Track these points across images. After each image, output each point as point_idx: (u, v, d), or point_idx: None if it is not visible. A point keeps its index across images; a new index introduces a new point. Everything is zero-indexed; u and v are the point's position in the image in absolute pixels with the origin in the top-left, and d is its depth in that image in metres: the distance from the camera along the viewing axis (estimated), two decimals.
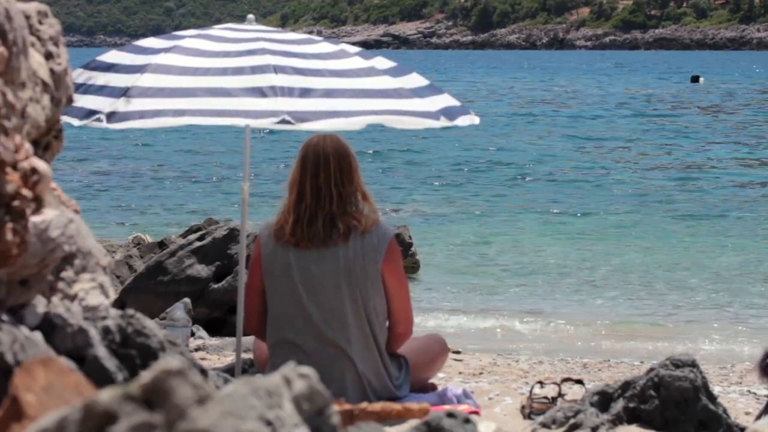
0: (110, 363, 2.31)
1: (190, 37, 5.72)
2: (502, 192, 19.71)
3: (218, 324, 8.95)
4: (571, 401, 5.06)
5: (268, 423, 1.65)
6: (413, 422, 2.48)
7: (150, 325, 2.43)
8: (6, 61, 2.25)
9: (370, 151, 25.63)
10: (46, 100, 2.48)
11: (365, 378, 5.11)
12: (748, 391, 6.97)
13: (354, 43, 6.65)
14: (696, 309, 10.80)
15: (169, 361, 1.62)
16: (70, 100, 2.60)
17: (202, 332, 8.56)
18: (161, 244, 10.84)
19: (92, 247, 2.48)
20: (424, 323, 9.61)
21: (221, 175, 22.17)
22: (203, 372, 2.56)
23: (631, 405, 3.72)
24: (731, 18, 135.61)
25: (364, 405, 2.33)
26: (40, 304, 2.37)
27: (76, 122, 5.20)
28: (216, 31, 5.87)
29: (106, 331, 2.38)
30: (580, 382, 5.93)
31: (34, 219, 2.28)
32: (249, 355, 6.21)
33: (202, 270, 8.93)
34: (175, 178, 21.90)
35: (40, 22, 2.55)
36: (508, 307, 10.88)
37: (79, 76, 5.48)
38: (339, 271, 5.05)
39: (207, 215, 14.08)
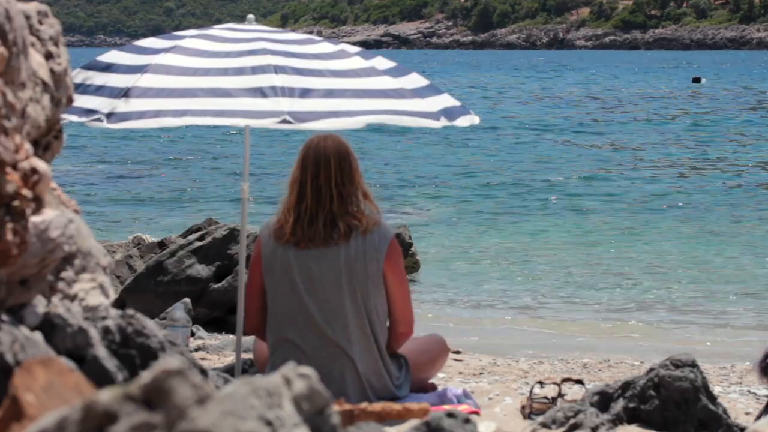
0: (110, 363, 2.31)
1: (191, 37, 5.72)
2: (504, 193, 19.70)
3: (218, 324, 8.95)
4: (571, 401, 5.06)
5: (268, 423, 1.65)
6: (413, 422, 2.48)
7: (150, 325, 2.43)
8: (6, 61, 2.24)
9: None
10: (46, 100, 2.48)
11: (365, 378, 5.11)
12: (748, 391, 6.96)
13: (354, 43, 6.65)
14: (696, 308, 10.80)
15: (169, 361, 1.62)
16: (70, 100, 2.60)
17: (202, 332, 8.56)
18: (161, 244, 10.83)
19: (92, 247, 2.48)
20: (424, 323, 9.61)
21: (221, 174, 22.16)
22: (203, 372, 2.56)
23: (631, 405, 3.72)
24: (731, 18, 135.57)
25: (364, 405, 2.33)
26: (40, 304, 2.37)
27: (75, 120, 5.20)
28: (216, 31, 5.87)
29: (106, 331, 2.38)
30: (580, 382, 5.92)
31: (34, 219, 2.28)
32: (249, 355, 6.21)
33: (202, 270, 8.94)
34: (175, 178, 21.89)
35: (40, 22, 2.55)
36: (509, 307, 10.88)
37: (79, 75, 5.48)
38: (340, 271, 5.04)
39: (207, 215, 14.08)
